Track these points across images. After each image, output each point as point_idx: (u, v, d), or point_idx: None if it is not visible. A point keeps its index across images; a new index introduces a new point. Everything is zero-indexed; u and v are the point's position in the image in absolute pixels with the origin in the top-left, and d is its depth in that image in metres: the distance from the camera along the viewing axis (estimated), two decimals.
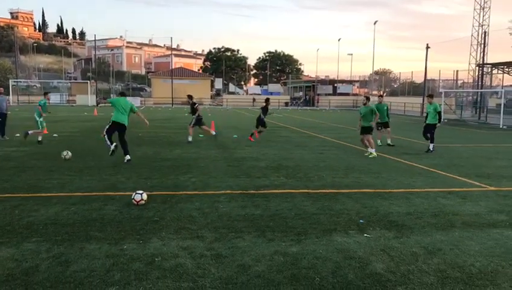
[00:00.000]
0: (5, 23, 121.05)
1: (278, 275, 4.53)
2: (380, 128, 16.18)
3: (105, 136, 11.39)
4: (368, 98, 14.08)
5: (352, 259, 4.99)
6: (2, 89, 17.60)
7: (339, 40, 76.66)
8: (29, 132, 15.41)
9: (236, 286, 4.26)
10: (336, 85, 70.61)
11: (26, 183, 8.65)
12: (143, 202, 7.15)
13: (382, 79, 72.87)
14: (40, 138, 15.38)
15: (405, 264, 4.88)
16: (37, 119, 15.39)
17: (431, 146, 14.60)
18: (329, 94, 67.59)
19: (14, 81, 65.75)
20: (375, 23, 60.78)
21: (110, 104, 11.92)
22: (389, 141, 16.06)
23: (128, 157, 11.38)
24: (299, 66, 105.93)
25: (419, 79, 53.06)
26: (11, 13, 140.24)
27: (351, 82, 74.29)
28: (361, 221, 6.47)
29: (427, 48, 42.57)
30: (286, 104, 66.98)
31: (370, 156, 13.05)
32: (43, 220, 6.24)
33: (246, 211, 6.94)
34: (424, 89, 42.42)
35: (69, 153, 11.79)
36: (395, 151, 14.64)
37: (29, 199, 7.44)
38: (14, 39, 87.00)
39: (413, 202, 7.75)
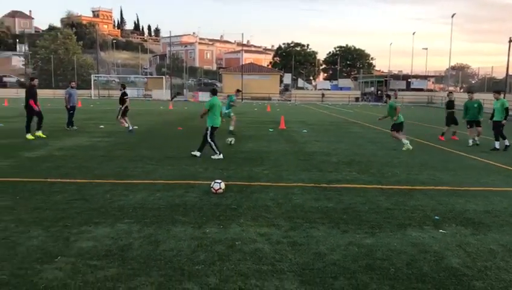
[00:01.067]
0: (88, 21, 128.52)
1: (353, 264, 4.69)
2: (470, 126, 15.32)
3: (212, 144, 11.21)
4: (388, 96, 14.38)
5: (427, 253, 5.04)
6: (74, 83, 18.93)
7: (413, 33, 74.04)
8: (231, 128, 16.89)
9: (313, 272, 4.47)
10: (409, 80, 68.45)
11: (114, 171, 9.38)
12: (221, 190, 7.54)
13: (459, 74, 69.62)
14: (231, 128, 16.92)
15: (482, 261, 4.85)
16: (226, 110, 16.53)
17: (506, 141, 13.93)
18: (402, 89, 65.63)
19: (95, 76, 69.93)
20: (452, 16, 58.16)
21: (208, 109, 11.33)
22: (476, 139, 15.08)
23: (198, 153, 11.36)
24: (371, 61, 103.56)
25: (500, 74, 50.25)
26: (92, 11, 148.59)
27: (425, 77, 71.70)
28: (436, 217, 6.44)
29: (510, 41, 40.16)
30: (356, 99, 65.91)
31: (404, 149, 13.29)
32: (132, 204, 6.80)
33: (319, 203, 7.13)
34: (505, 85, 40.11)
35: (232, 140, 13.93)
36: (472, 149, 14.13)
37: (118, 185, 8.10)
38: (96, 36, 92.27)
39: (491, 200, 7.54)
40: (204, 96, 63.40)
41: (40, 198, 7.04)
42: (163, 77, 70.55)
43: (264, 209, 6.71)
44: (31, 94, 14.79)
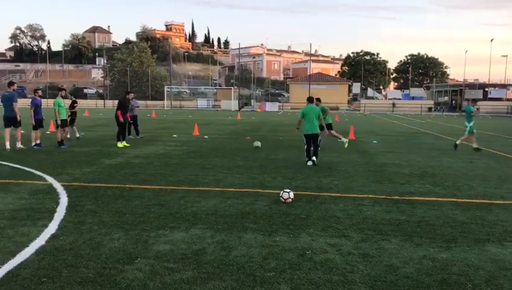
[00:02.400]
0: (161, 34, 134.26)
1: (427, 278, 4.57)
2: None
3: (305, 151, 11.99)
4: (318, 100, 15.46)
5: (509, 270, 4.79)
6: (132, 94, 19.78)
7: (491, 40, 70.30)
8: (475, 146, 15.51)
9: (386, 284, 4.41)
10: (486, 89, 65.01)
11: (187, 178, 9.75)
12: (290, 200, 7.60)
13: None
14: (475, 145, 15.51)
15: None
16: (467, 124, 15.68)
17: None
18: (478, 99, 62.42)
19: (168, 88, 72.76)
20: None
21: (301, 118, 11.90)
22: None
23: (310, 162, 11.73)
24: (444, 69, 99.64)
25: None
26: (166, 26, 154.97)
27: (504, 86, 67.73)
28: None
29: None
30: (429, 109, 63.57)
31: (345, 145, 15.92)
32: (205, 210, 7.04)
33: (390, 215, 6.99)
34: None
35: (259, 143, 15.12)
36: None
37: (191, 191, 8.41)
38: (169, 49, 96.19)
39: None
40: (271, 107, 64.05)
41: (120, 202, 7.48)
42: (232, 87, 72.03)
43: (334, 220, 6.69)
44: (121, 106, 15.76)
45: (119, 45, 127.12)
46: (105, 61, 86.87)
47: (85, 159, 12.45)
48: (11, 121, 13.98)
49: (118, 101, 16.39)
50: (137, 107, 19.40)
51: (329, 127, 16.08)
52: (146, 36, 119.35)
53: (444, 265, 4.92)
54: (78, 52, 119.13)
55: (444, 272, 4.72)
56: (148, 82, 78.93)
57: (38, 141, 14.92)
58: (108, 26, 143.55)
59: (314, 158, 11.83)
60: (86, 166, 11.22)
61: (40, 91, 15.54)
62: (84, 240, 5.56)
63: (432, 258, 5.11)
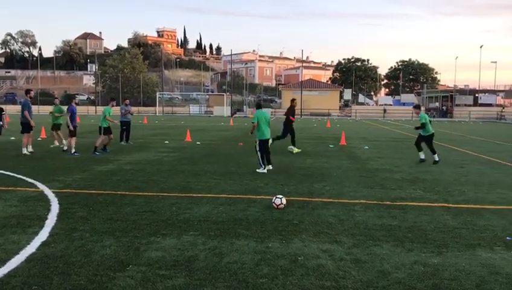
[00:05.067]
0: (153, 41, 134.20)
1: (418, 283, 4.58)
2: None
3: (259, 156, 11.73)
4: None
5: (499, 275, 4.82)
6: (128, 100, 19.85)
7: (480, 46, 70.94)
8: None
9: (378, 289, 4.42)
10: (477, 95, 65.57)
11: (179, 185, 9.72)
12: (282, 206, 7.61)
13: None
14: None
15: None
16: None
17: None
18: (469, 105, 62.97)
19: (160, 94, 72.61)
20: None
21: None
22: None
23: (265, 169, 11.61)
24: (435, 75, 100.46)
25: None
26: (157, 32, 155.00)
27: (494, 92, 68.38)
28: (508, 238, 6.14)
29: None
30: None
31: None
32: (197, 217, 7.02)
33: (382, 221, 7.01)
34: None
35: None
36: None
37: (183, 198, 8.39)
38: (161, 55, 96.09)
39: None
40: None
41: (111, 209, 7.44)
42: (224, 94, 72.05)
43: (326, 225, 6.70)
44: (292, 112, 16.54)
45: (111, 51, 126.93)
46: (96, 67, 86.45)
47: (76, 165, 12.38)
48: (23, 126, 14.73)
49: (288, 108, 16.91)
50: (132, 114, 19.26)
51: (57, 127, 17.25)
52: (138, 42, 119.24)
53: (436, 270, 4.94)
54: (70, 58, 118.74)
55: (435, 277, 4.74)
56: (140, 88, 78.74)
57: (73, 150, 14.86)
58: (100, 33, 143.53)
59: (270, 166, 11.89)
60: (78, 173, 11.15)
61: (77, 99, 15.83)
62: (76, 247, 5.52)
63: (424, 264, 5.14)
